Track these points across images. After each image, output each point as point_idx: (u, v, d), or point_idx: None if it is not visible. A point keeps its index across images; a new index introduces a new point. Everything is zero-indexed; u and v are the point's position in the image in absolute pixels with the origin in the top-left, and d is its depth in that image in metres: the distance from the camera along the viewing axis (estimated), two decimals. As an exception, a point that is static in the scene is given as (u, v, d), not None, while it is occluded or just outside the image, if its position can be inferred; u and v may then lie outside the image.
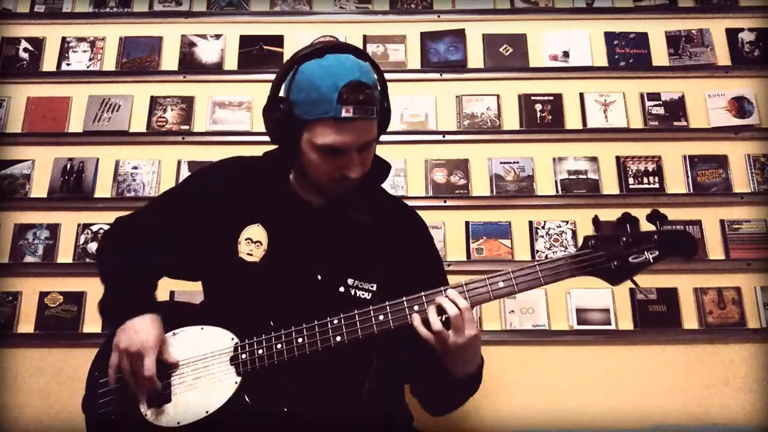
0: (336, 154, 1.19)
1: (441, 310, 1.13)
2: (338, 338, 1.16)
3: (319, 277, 1.25)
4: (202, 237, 1.31)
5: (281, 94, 1.22)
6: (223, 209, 1.31)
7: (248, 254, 1.27)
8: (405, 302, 1.16)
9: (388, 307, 1.16)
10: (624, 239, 1.14)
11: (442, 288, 1.16)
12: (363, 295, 1.24)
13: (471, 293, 1.16)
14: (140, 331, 1.19)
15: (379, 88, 1.22)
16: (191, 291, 1.75)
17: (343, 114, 1.13)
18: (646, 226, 1.18)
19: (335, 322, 1.17)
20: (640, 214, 1.18)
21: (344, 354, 1.17)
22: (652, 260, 1.13)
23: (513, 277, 1.15)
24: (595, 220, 1.18)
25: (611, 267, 1.14)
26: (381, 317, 1.16)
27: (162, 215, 1.37)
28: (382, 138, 2.24)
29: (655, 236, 1.14)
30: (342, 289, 1.24)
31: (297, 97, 1.18)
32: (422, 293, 1.17)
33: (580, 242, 1.34)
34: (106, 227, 2.11)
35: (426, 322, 1.14)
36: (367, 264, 1.27)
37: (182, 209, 1.35)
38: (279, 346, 1.18)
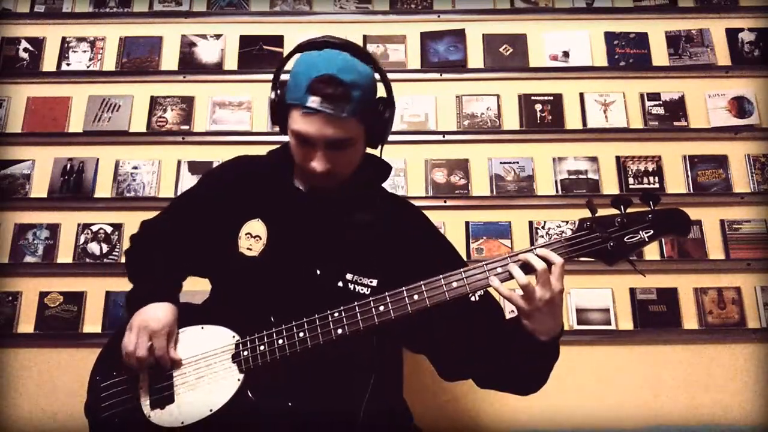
0: (304, 143, 1.20)
1: (528, 267, 1.12)
2: (339, 331, 1.16)
3: (318, 272, 1.25)
4: (208, 234, 1.33)
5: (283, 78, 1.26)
6: (227, 206, 1.33)
7: (248, 249, 1.28)
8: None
9: (387, 298, 1.16)
10: (619, 220, 1.15)
11: (525, 249, 1.15)
12: (362, 290, 1.24)
13: (469, 280, 1.15)
14: (157, 313, 1.21)
15: (362, 91, 1.17)
16: (191, 291, 1.75)
17: (308, 103, 1.15)
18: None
19: (336, 315, 1.17)
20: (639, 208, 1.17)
21: (347, 348, 1.18)
22: (647, 239, 1.14)
23: (510, 262, 1.15)
24: (589, 203, 1.18)
25: (607, 248, 1.14)
26: (381, 308, 1.16)
27: (178, 217, 1.41)
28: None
29: (650, 215, 1.14)
30: (341, 284, 1.24)
31: (288, 82, 1.21)
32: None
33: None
34: (107, 227, 2.12)
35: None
36: (367, 260, 1.27)
37: (194, 209, 1.39)
38: (280, 341, 1.18)
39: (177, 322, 1.24)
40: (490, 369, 1.26)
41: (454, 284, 1.15)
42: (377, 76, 1.26)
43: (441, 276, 1.16)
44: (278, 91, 1.24)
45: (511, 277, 1.13)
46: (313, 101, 1.14)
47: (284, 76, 1.27)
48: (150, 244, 1.39)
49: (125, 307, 1.31)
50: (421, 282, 1.16)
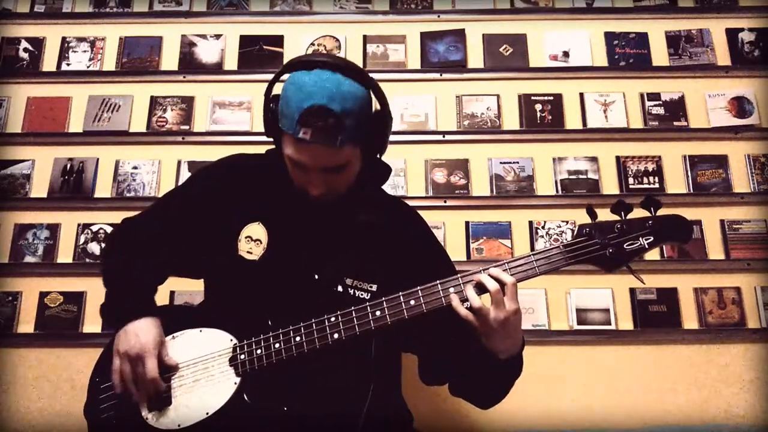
0: (298, 168, 1.20)
1: (481, 287, 1.13)
2: (336, 336, 1.16)
3: (316, 277, 1.25)
4: (204, 234, 1.32)
5: (276, 92, 1.24)
6: (225, 206, 1.32)
7: (248, 252, 1.28)
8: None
9: (384, 303, 1.16)
10: (618, 226, 1.14)
11: (480, 270, 1.16)
12: (361, 295, 1.24)
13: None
14: (139, 334, 1.19)
15: (355, 117, 1.14)
16: (191, 291, 1.76)
17: (300, 135, 1.12)
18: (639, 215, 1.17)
19: (332, 319, 1.17)
20: (640, 214, 1.17)
21: (344, 352, 1.18)
22: (647, 246, 1.13)
23: (509, 268, 1.15)
24: (589, 209, 1.17)
25: (606, 254, 1.14)
26: (378, 313, 1.16)
27: (166, 215, 1.37)
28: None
29: (650, 222, 1.14)
30: (340, 288, 1.24)
31: (280, 104, 1.19)
32: (437, 281, 1.16)
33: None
34: (107, 227, 2.12)
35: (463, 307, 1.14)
36: (367, 264, 1.27)
37: (185, 208, 1.36)
38: (277, 345, 1.18)
39: (162, 332, 1.22)
40: (459, 378, 1.29)
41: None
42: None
43: (438, 282, 1.16)
44: (272, 106, 1.22)
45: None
46: (305, 133, 1.12)
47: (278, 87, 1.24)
48: (128, 245, 1.34)
49: (101, 317, 1.30)
50: (418, 288, 1.16)
